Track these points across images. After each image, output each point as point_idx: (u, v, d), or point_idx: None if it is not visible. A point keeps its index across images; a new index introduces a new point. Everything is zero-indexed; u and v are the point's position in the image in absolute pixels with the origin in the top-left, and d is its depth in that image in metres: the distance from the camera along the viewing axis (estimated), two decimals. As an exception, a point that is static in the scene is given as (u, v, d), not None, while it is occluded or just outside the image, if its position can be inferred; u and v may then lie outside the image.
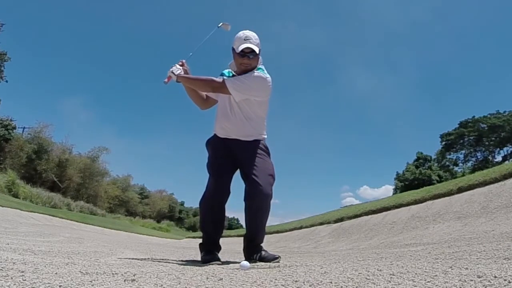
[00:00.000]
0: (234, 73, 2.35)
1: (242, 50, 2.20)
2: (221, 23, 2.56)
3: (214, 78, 2.28)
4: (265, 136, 2.43)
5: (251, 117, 2.33)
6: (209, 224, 2.32)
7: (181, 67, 2.33)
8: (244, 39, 2.21)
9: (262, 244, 2.40)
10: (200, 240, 2.38)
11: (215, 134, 2.42)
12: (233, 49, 2.27)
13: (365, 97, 69.19)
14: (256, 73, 2.26)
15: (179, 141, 64.98)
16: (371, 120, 63.61)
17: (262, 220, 2.32)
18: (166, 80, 2.31)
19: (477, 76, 59.37)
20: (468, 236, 3.36)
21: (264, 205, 2.24)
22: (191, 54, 2.49)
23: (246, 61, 2.23)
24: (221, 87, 2.24)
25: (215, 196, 2.29)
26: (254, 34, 2.25)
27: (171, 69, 2.30)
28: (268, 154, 2.39)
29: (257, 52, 2.24)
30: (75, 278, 1.21)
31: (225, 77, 2.29)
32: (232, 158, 2.33)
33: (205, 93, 2.48)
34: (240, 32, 2.26)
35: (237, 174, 2.39)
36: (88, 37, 57.08)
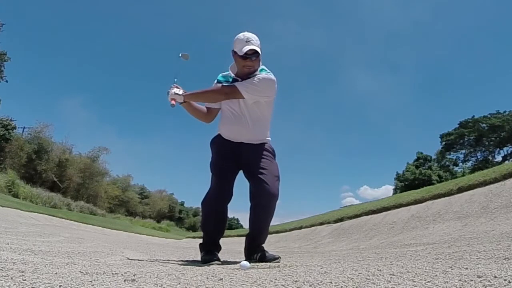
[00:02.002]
0: (235, 77, 2.31)
1: (245, 53, 2.18)
2: (180, 54, 2.45)
3: (224, 85, 2.27)
4: (270, 138, 2.44)
5: (260, 119, 2.34)
6: (211, 225, 2.32)
7: (180, 88, 2.29)
8: (246, 41, 2.19)
9: (263, 245, 2.40)
10: (200, 240, 2.38)
11: (219, 134, 2.41)
12: (234, 52, 2.24)
13: (366, 97, 69.24)
14: (264, 74, 2.26)
15: (179, 141, 65.11)
16: (371, 120, 63.63)
17: (266, 220, 2.34)
18: (172, 103, 2.25)
19: (477, 76, 59.40)
20: (468, 236, 3.36)
21: (270, 204, 2.26)
22: (176, 80, 2.39)
23: (249, 63, 2.22)
24: (234, 92, 2.23)
25: (218, 197, 2.30)
26: (254, 35, 2.23)
27: (172, 91, 2.24)
28: (274, 156, 2.41)
29: (260, 53, 2.22)
30: (75, 278, 1.21)
31: (236, 82, 2.26)
32: (236, 159, 2.32)
33: (207, 105, 2.44)
34: (240, 34, 2.23)
35: (239, 174, 2.39)
36: (88, 37, 57.18)
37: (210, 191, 2.33)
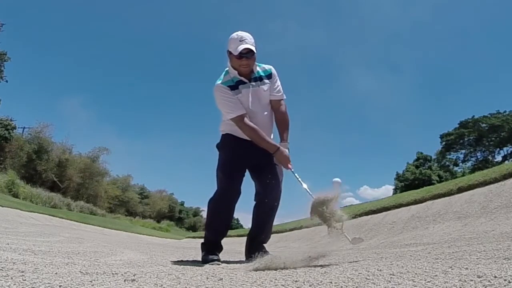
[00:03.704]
0: (240, 78, 2.27)
1: (240, 52, 2.17)
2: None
3: (282, 107, 2.39)
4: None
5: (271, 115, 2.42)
6: (217, 224, 2.32)
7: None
8: (240, 40, 2.18)
9: (264, 244, 2.41)
10: (201, 240, 2.38)
11: (232, 135, 2.36)
12: (229, 52, 2.23)
13: (366, 97, 69.15)
14: (274, 70, 2.37)
15: (179, 141, 65.03)
16: (371, 119, 63.55)
17: (270, 218, 2.39)
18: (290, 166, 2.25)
19: (477, 76, 59.37)
20: (468, 236, 3.36)
21: (276, 203, 2.33)
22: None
23: (244, 62, 2.21)
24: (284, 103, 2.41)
25: (230, 196, 2.29)
26: (248, 34, 2.24)
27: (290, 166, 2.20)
28: None
29: (255, 51, 2.22)
30: (75, 278, 1.21)
31: (279, 94, 2.38)
32: (250, 159, 2.33)
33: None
34: (234, 34, 2.22)
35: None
36: (88, 37, 57.17)
37: (222, 191, 2.30)
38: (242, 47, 2.16)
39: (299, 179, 2.14)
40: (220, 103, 2.26)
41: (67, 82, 53.16)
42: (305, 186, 2.09)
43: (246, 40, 2.19)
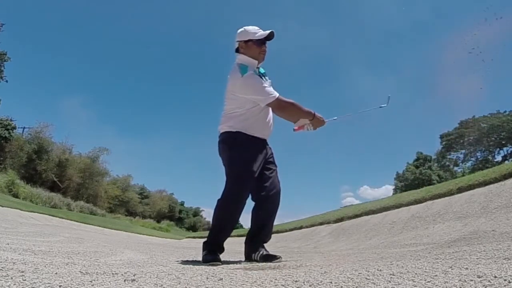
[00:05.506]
0: (256, 70, 2.29)
1: (268, 35, 2.24)
2: None
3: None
4: None
5: None
6: (225, 225, 2.27)
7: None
8: (258, 29, 2.28)
9: (264, 244, 2.41)
10: (201, 240, 2.37)
11: (245, 134, 2.28)
12: (246, 41, 2.26)
13: (366, 96, 69.08)
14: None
15: (179, 141, 64.99)
16: (371, 119, 63.49)
17: (272, 218, 2.39)
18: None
19: (476, 76, 59.24)
20: (468, 236, 3.36)
21: (277, 202, 2.36)
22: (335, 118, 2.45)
23: (264, 48, 2.28)
24: None
25: (243, 197, 2.24)
26: None
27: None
28: None
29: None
30: (75, 278, 1.21)
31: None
32: (262, 159, 2.32)
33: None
34: (248, 27, 2.29)
35: None
36: (88, 37, 57.09)
37: (235, 191, 2.21)
38: (266, 31, 2.24)
39: (336, 118, 2.42)
40: (257, 89, 2.19)
41: (67, 82, 53.04)
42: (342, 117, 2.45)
43: (261, 29, 2.29)
